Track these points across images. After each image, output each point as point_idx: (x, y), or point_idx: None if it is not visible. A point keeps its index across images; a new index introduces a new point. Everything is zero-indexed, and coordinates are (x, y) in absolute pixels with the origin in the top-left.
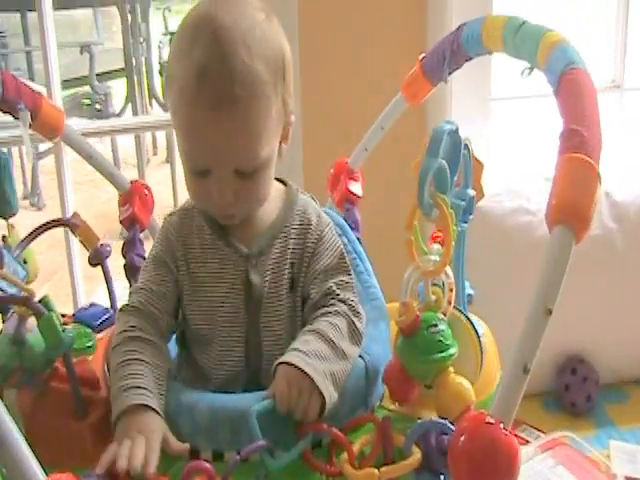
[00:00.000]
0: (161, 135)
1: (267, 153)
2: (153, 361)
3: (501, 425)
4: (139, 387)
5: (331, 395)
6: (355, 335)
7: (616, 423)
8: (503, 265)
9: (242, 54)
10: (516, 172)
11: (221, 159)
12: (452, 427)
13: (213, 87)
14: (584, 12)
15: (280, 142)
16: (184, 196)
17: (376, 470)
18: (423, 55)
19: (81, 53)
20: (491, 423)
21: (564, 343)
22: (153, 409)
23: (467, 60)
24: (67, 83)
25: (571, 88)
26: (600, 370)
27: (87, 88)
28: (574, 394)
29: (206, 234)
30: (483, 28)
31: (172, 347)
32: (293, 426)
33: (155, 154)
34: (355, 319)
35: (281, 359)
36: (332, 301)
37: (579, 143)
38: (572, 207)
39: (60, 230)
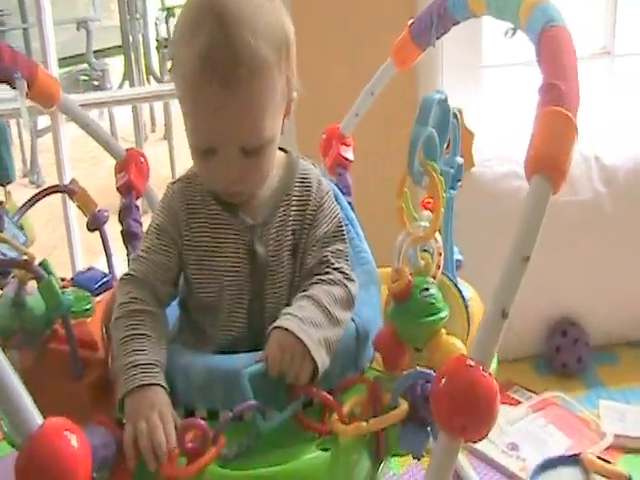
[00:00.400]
0: (159, 112)
1: (272, 131)
2: (155, 333)
3: (480, 367)
4: (145, 364)
5: (323, 361)
6: (348, 302)
7: (606, 384)
8: (494, 229)
9: (246, 35)
10: (507, 138)
11: (227, 138)
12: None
13: (219, 68)
14: None
15: (283, 118)
16: (182, 172)
17: (364, 423)
18: (412, 21)
19: (78, 29)
20: (471, 365)
21: (555, 306)
22: (160, 385)
23: (454, 24)
24: (64, 61)
25: (550, 44)
26: (591, 332)
27: (84, 66)
28: (565, 356)
29: (211, 204)
30: None
31: (172, 310)
32: (285, 389)
33: (153, 131)
34: (349, 284)
35: (276, 323)
36: (326, 269)
37: (557, 97)
38: (550, 157)
39: (59, 205)
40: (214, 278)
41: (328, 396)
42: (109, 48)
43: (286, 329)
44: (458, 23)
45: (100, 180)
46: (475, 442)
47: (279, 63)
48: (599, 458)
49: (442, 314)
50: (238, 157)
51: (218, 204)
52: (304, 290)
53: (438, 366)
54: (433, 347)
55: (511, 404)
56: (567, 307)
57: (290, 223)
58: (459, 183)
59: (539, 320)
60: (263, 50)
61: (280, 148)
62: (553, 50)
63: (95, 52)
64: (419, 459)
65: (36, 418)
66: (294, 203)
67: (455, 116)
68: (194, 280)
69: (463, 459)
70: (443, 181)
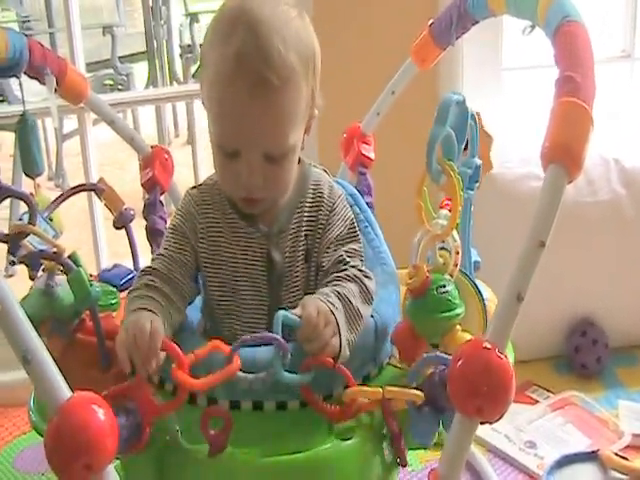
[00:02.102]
0: (182, 117)
1: (294, 140)
2: (167, 305)
3: (496, 349)
4: (151, 311)
5: (347, 345)
6: (367, 295)
7: (626, 385)
8: (514, 230)
9: (278, 44)
10: (527, 139)
11: (252, 141)
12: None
13: (250, 71)
14: None
15: (304, 133)
16: (206, 177)
17: (380, 388)
18: (432, 21)
19: (104, 35)
20: (487, 348)
21: (574, 307)
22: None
23: (474, 24)
24: (90, 67)
25: (566, 38)
26: (610, 334)
27: (109, 71)
28: (584, 356)
29: (228, 212)
30: None
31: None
32: (302, 358)
33: (177, 136)
34: (366, 280)
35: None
36: (343, 267)
37: (573, 88)
38: (565, 147)
39: (85, 210)
40: (229, 282)
41: (342, 367)
42: (134, 54)
43: (321, 299)
44: (477, 22)
45: (125, 184)
46: (491, 423)
47: (306, 75)
48: (617, 455)
49: (458, 310)
50: (261, 162)
51: (235, 212)
52: (325, 286)
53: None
54: (448, 343)
55: (529, 403)
56: (586, 308)
57: (304, 229)
58: (477, 184)
59: (559, 321)
60: (293, 60)
61: None
62: (569, 43)
63: (120, 58)
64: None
65: (65, 391)
66: (307, 208)
67: (473, 117)
68: (210, 287)
69: (481, 456)
70: (461, 180)
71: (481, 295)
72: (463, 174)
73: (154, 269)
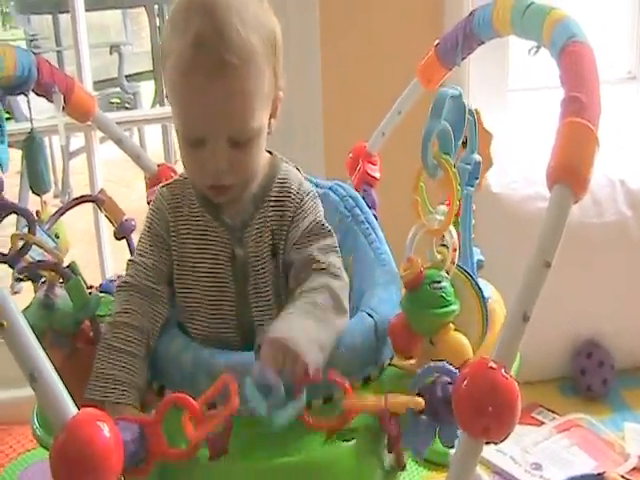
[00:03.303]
0: None
1: (259, 123)
2: (140, 351)
3: (502, 369)
4: (124, 382)
5: (316, 359)
6: (338, 304)
7: (632, 407)
8: (519, 250)
9: (236, 24)
10: (533, 160)
11: (215, 126)
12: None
13: (208, 55)
14: (600, 4)
15: (270, 117)
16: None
17: (381, 396)
18: (438, 41)
19: (111, 53)
20: (493, 368)
21: (580, 328)
22: (132, 405)
23: (479, 44)
24: (97, 85)
25: (572, 59)
26: (616, 355)
27: (116, 90)
28: (590, 378)
29: (195, 206)
30: (493, 11)
31: None
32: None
33: None
34: (336, 284)
35: (266, 335)
36: (314, 267)
37: (579, 109)
38: (571, 167)
39: (90, 224)
40: (194, 281)
41: (339, 379)
42: (140, 73)
43: (275, 337)
44: (483, 43)
45: (131, 203)
46: (496, 443)
47: (267, 56)
48: (623, 477)
49: (451, 307)
50: (226, 148)
51: (202, 205)
52: (292, 304)
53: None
54: (440, 340)
55: (535, 425)
56: (592, 329)
57: (269, 224)
58: (477, 181)
59: (564, 342)
60: (253, 40)
61: (266, 151)
62: (574, 64)
63: (126, 76)
64: (417, 461)
65: (71, 408)
66: (272, 203)
67: (471, 113)
68: (177, 281)
69: (486, 477)
70: (458, 175)
71: (481, 292)
72: (462, 170)
73: (129, 284)
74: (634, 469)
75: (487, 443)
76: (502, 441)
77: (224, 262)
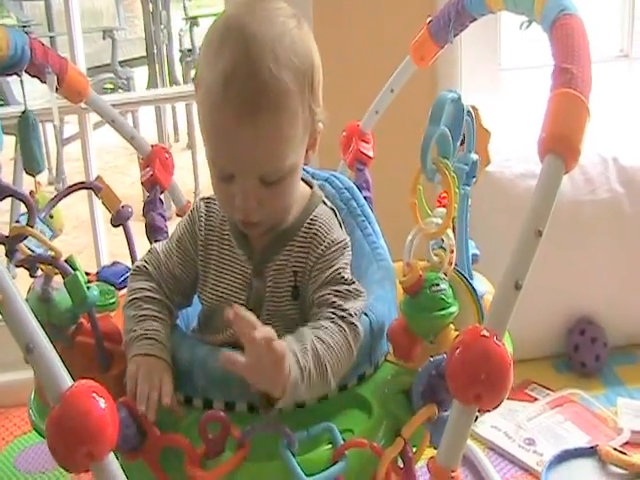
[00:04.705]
0: (182, 121)
1: (292, 163)
2: (166, 319)
3: (494, 337)
4: (156, 340)
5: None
6: (345, 349)
7: (625, 383)
8: (512, 228)
9: (269, 63)
10: (525, 138)
11: (244, 166)
12: None
13: (238, 94)
14: None
15: (307, 150)
16: (206, 181)
17: (399, 437)
18: (430, 18)
19: (104, 38)
20: (485, 335)
21: (573, 305)
22: (167, 362)
23: (472, 21)
24: (89, 71)
25: (563, 31)
26: (609, 332)
27: (110, 75)
28: (583, 354)
29: (225, 228)
30: None
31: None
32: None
33: (177, 140)
34: (350, 337)
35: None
36: (331, 313)
37: (569, 79)
38: (562, 137)
39: (85, 211)
40: (214, 299)
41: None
42: (134, 59)
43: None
44: (475, 20)
45: (125, 188)
46: (489, 411)
47: (302, 93)
48: (616, 450)
49: (451, 309)
50: (256, 186)
51: (231, 230)
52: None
53: None
54: (441, 341)
55: (529, 401)
56: (585, 307)
57: (292, 264)
58: (474, 179)
59: (557, 319)
60: (285, 78)
61: (307, 182)
62: (565, 36)
63: (120, 63)
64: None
65: (67, 380)
66: (298, 245)
67: (469, 113)
68: (199, 293)
69: (480, 452)
70: (456, 179)
71: (476, 294)
72: (459, 170)
73: (148, 271)
74: (627, 443)
75: (479, 411)
76: (494, 409)
77: (239, 290)
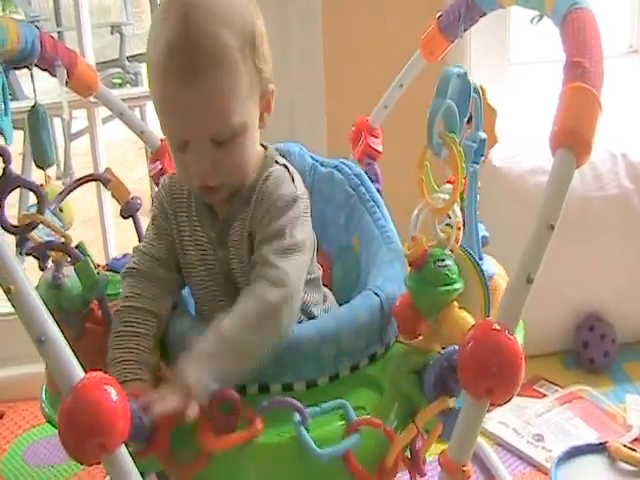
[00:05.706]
0: None
1: (241, 120)
2: (149, 331)
3: (506, 331)
4: (130, 361)
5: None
6: (265, 320)
7: (634, 379)
8: (521, 224)
9: (206, 25)
10: (534, 134)
11: (195, 129)
12: None
13: (179, 60)
14: None
15: (262, 112)
16: None
17: (411, 424)
18: (440, 13)
19: (112, 34)
20: (497, 329)
21: (582, 302)
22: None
23: (481, 16)
24: (98, 67)
25: (574, 25)
26: (618, 328)
27: (118, 70)
28: (592, 350)
29: (190, 199)
30: None
31: None
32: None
33: None
34: (272, 295)
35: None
36: (259, 272)
37: (581, 73)
38: (573, 131)
39: (94, 206)
40: (194, 275)
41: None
42: (142, 54)
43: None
44: (485, 14)
45: (133, 183)
46: (500, 405)
47: (242, 49)
48: (625, 446)
49: (456, 286)
50: (210, 148)
51: (196, 202)
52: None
53: (446, 337)
54: (443, 318)
55: (538, 397)
56: (594, 303)
57: (247, 229)
58: (482, 158)
59: (566, 316)
60: (221, 34)
61: (263, 146)
62: (577, 30)
63: (128, 57)
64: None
65: (79, 372)
66: (253, 207)
67: (476, 91)
68: (183, 270)
69: (489, 448)
70: (463, 153)
71: (482, 271)
72: (468, 148)
73: (138, 271)
74: (636, 439)
75: (491, 405)
76: (505, 403)
77: (210, 264)
